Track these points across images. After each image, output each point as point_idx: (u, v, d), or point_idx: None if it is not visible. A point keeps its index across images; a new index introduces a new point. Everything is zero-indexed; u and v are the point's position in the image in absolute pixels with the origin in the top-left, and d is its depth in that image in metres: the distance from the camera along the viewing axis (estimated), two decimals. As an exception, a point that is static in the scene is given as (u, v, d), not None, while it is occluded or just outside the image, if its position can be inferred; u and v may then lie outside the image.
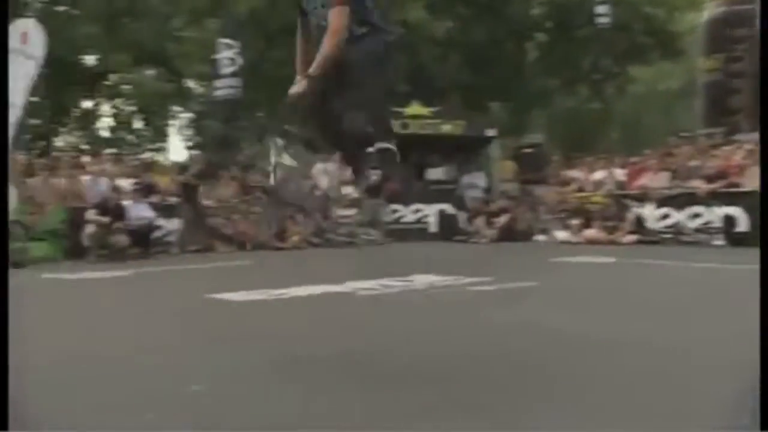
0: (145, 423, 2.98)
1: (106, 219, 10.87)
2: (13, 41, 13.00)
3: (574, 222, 13.17)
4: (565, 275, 8.48)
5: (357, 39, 3.84)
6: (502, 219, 13.89)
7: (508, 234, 13.63)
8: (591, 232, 12.68)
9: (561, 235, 13.15)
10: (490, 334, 4.77)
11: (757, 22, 11.06)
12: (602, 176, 13.98)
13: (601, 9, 15.13)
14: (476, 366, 3.88)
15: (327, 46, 3.74)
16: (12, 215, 10.45)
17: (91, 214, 10.94)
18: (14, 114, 12.97)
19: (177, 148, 43.31)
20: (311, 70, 3.77)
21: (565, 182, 14.54)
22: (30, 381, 3.67)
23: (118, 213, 11.12)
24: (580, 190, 14.09)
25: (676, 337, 4.36)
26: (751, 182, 10.89)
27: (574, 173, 14.68)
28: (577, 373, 3.68)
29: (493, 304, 6.17)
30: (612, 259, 9.67)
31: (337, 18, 3.72)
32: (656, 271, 8.76)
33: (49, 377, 3.76)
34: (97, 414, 3.13)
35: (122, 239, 10.93)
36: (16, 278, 8.62)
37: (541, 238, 13.64)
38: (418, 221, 14.73)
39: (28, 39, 13.06)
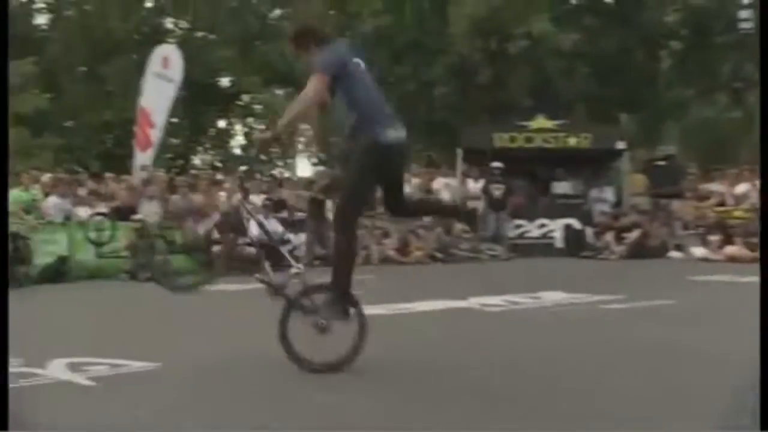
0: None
1: (230, 235, 11.44)
2: (156, 66, 14.04)
3: (714, 238, 12.46)
4: (705, 294, 8.04)
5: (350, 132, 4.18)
6: (633, 234, 13.36)
7: (640, 250, 13.07)
8: (732, 249, 11.94)
9: (699, 252, 12.47)
10: (622, 353, 4.63)
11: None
12: (745, 189, 13.15)
13: (743, 14, 14.27)
14: (607, 385, 3.79)
15: (297, 101, 4.11)
16: (155, 230, 11.25)
17: (214, 233, 11.56)
18: (156, 134, 13.96)
19: (304, 165, 44.88)
20: (279, 122, 4.12)
21: (703, 196, 13.80)
22: (185, 386, 3.95)
23: (241, 229, 11.66)
24: (721, 204, 13.33)
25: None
26: None
27: (713, 186, 13.91)
28: (710, 396, 3.51)
29: (625, 322, 5.97)
30: (757, 279, 9.05)
31: (315, 82, 4.01)
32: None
33: (207, 382, 4.02)
34: (235, 412, 3.33)
35: (247, 254, 11.42)
36: (162, 290, 9.26)
37: (676, 255, 13.00)
38: (543, 236, 14.44)
39: (169, 63, 14.02)
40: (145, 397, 3.67)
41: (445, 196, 14.66)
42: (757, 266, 10.69)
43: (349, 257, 4.23)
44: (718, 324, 5.75)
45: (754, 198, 12.79)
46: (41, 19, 25.04)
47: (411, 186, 15.02)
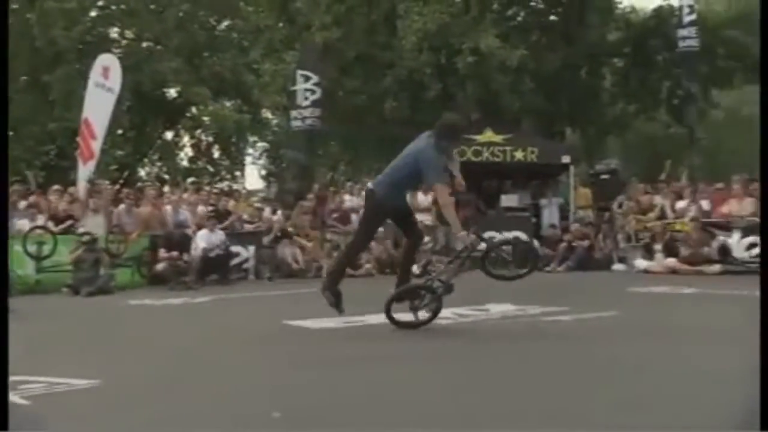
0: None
1: (174, 254, 11.23)
2: (97, 76, 13.70)
3: (656, 250, 12.79)
4: (646, 306, 8.25)
5: None
6: (579, 247, 13.63)
7: (585, 262, 13.34)
8: (673, 262, 12.28)
9: (641, 264, 12.79)
10: (566, 364, 4.70)
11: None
12: (685, 203, 13.55)
13: (682, 32, 14.73)
14: (551, 398, 3.84)
15: None
16: (101, 243, 10.99)
17: (161, 252, 11.33)
18: (98, 146, 13.61)
19: (253, 178, 44.58)
20: None
21: (646, 209, 14.16)
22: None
23: (184, 243, 11.48)
24: (662, 217, 13.69)
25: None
26: None
27: (655, 200, 14.27)
28: (649, 405, 3.59)
29: (569, 333, 6.07)
30: (696, 290, 9.35)
31: None
32: (743, 303, 8.41)
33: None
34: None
35: (191, 268, 11.26)
36: (105, 304, 9.03)
37: (619, 267, 13.29)
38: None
39: (109, 74, 13.69)
40: (82, 415, 3.57)
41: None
42: (694, 278, 11.06)
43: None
44: (656, 336, 5.89)
45: (694, 212, 13.17)
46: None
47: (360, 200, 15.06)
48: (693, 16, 14.32)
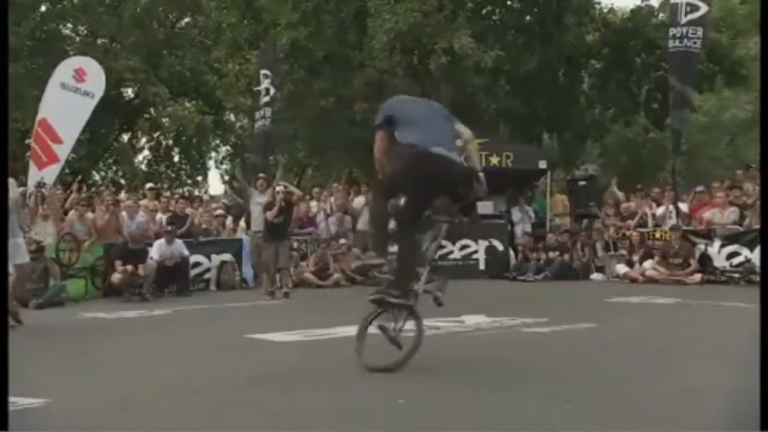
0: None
1: (129, 267, 11.02)
2: (65, 77, 13.32)
3: (635, 259, 12.96)
4: (624, 317, 8.33)
5: None
6: (556, 256, 13.74)
7: (562, 272, 13.46)
8: (652, 271, 12.45)
9: (620, 272, 12.94)
10: (540, 380, 4.72)
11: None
12: (665, 210, 13.74)
13: (674, 32, 14.87)
14: (521, 411, 3.85)
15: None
16: (50, 252, 10.79)
17: (117, 265, 11.13)
18: (64, 150, 13.27)
19: (216, 183, 44.24)
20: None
21: (625, 216, 14.34)
22: None
23: (141, 255, 11.26)
24: (641, 225, 13.87)
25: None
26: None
27: (633, 207, 14.45)
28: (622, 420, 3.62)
29: (546, 347, 6.10)
30: (675, 300, 9.47)
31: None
32: (723, 313, 8.55)
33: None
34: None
35: (147, 279, 11.07)
36: (55, 317, 8.84)
37: (597, 276, 13.44)
38: (466, 257, 14.61)
39: (86, 76, 13.37)
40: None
41: (365, 215, 14.66)
42: (674, 288, 11.22)
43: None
44: (635, 349, 5.94)
45: (673, 219, 13.35)
46: None
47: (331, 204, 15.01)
48: (697, 14, 14.24)
